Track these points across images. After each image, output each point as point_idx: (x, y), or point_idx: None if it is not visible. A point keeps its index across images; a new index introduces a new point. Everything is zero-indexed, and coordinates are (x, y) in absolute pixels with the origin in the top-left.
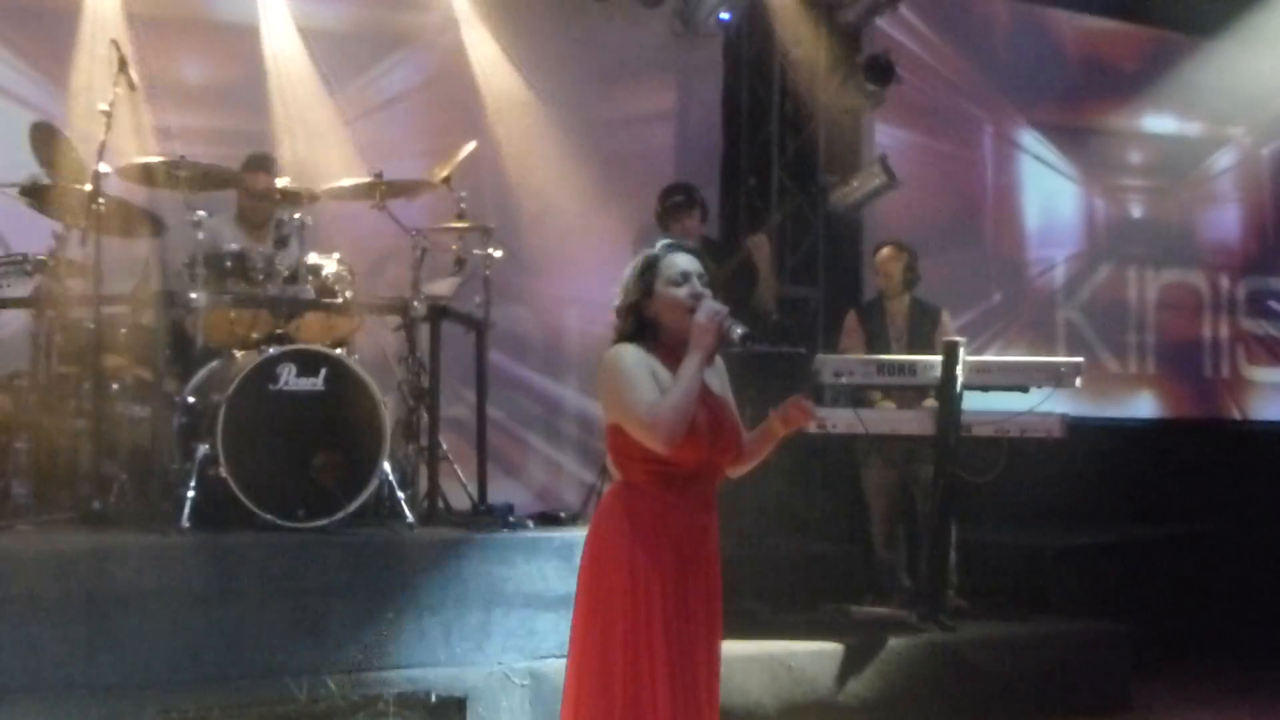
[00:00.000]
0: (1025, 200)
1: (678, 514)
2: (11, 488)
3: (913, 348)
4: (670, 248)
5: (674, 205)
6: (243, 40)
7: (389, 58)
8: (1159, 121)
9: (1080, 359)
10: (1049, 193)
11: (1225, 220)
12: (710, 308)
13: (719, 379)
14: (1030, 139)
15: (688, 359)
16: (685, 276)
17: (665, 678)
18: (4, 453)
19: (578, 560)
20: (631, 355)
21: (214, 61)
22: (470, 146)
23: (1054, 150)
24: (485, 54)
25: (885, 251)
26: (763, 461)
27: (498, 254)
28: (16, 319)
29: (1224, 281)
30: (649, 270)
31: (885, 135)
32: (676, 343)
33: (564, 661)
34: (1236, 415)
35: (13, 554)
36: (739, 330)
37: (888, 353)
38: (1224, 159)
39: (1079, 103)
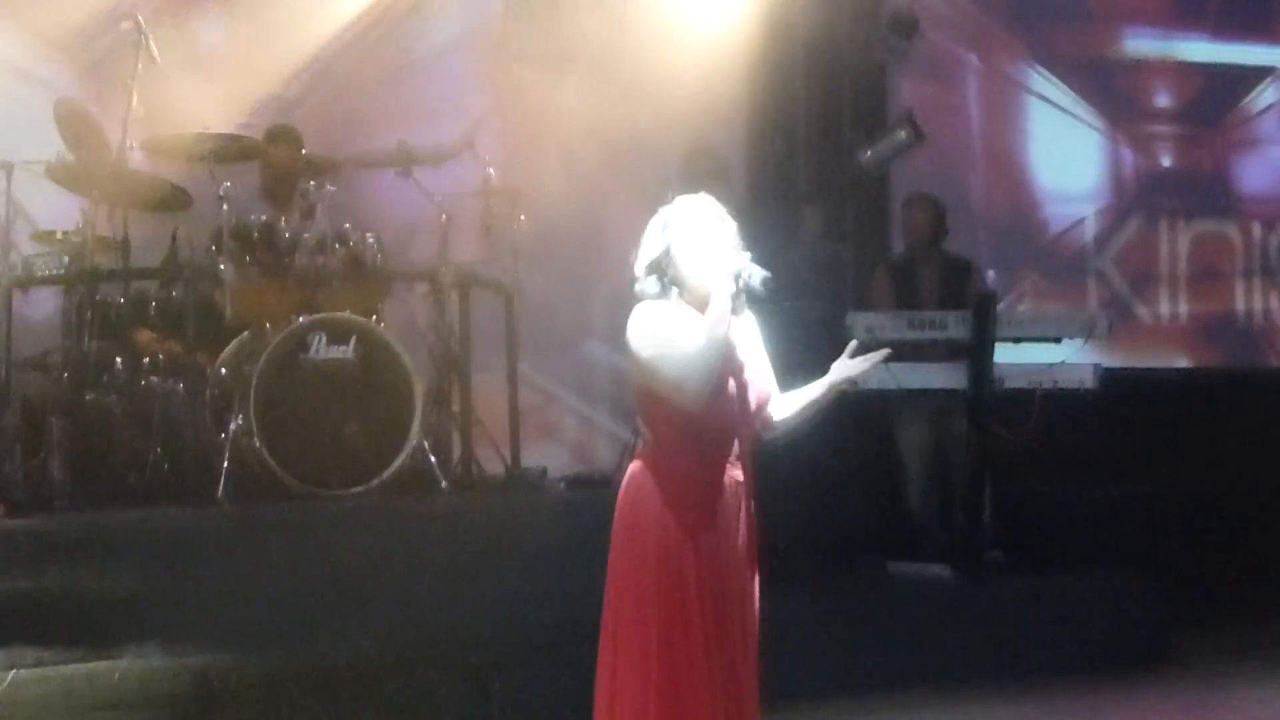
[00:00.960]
0: (1051, 151)
1: (708, 474)
2: (47, 464)
3: (944, 302)
4: (688, 203)
5: (697, 171)
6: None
7: (411, 20)
8: (1193, 50)
9: (1111, 310)
10: (1075, 143)
11: (1262, 166)
12: (730, 257)
13: (749, 336)
14: (1055, 90)
15: (710, 312)
16: (705, 230)
17: (700, 641)
18: (39, 430)
19: (611, 522)
20: (657, 314)
21: (236, 26)
22: (488, 113)
23: (1081, 101)
24: (509, 16)
25: (913, 205)
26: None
27: (524, 218)
28: (47, 297)
29: (1258, 230)
30: (668, 227)
31: (910, 92)
32: (700, 298)
33: (599, 623)
34: (1271, 364)
35: (51, 530)
36: (760, 276)
37: (917, 307)
38: (1266, 94)
39: (1100, 38)
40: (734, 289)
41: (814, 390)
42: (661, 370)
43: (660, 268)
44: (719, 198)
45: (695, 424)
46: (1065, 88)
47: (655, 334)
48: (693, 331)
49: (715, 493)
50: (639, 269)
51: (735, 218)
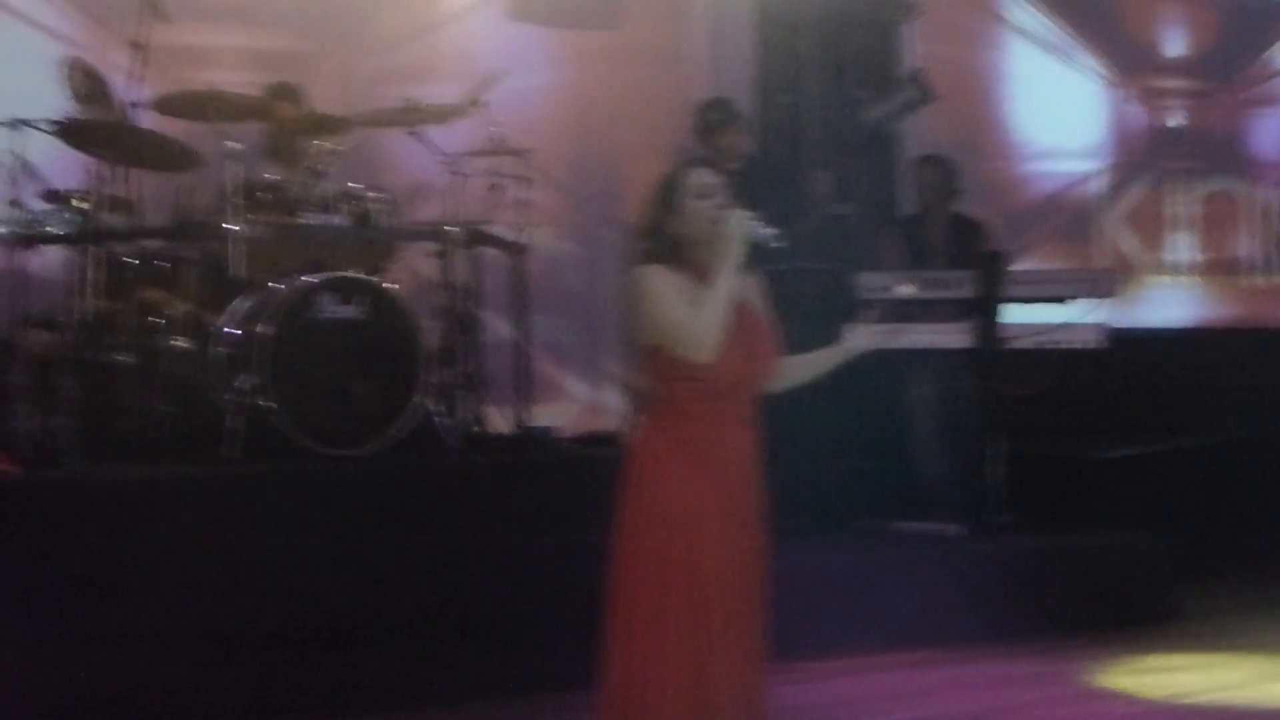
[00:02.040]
0: (1055, 104)
1: (719, 430)
2: (57, 424)
3: (953, 262)
4: (691, 164)
5: (711, 122)
6: None
7: None
8: None
9: (1118, 269)
10: (1081, 96)
11: (1272, 126)
12: (738, 216)
13: (756, 294)
14: (1052, 35)
15: (721, 268)
16: (708, 190)
17: (717, 599)
18: (49, 389)
19: (619, 481)
20: (660, 273)
21: None
22: (504, 73)
23: (1098, 61)
24: None
25: (924, 165)
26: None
27: (532, 176)
28: (57, 255)
29: (1266, 189)
30: (672, 188)
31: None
32: (702, 259)
33: (604, 583)
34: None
35: (60, 489)
36: (768, 233)
37: (926, 267)
38: None
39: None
40: (739, 248)
41: (825, 355)
42: (670, 326)
43: (662, 229)
44: (732, 148)
45: (704, 380)
46: (1085, 49)
47: (663, 292)
48: (695, 289)
49: (726, 449)
50: (640, 229)
51: (747, 168)
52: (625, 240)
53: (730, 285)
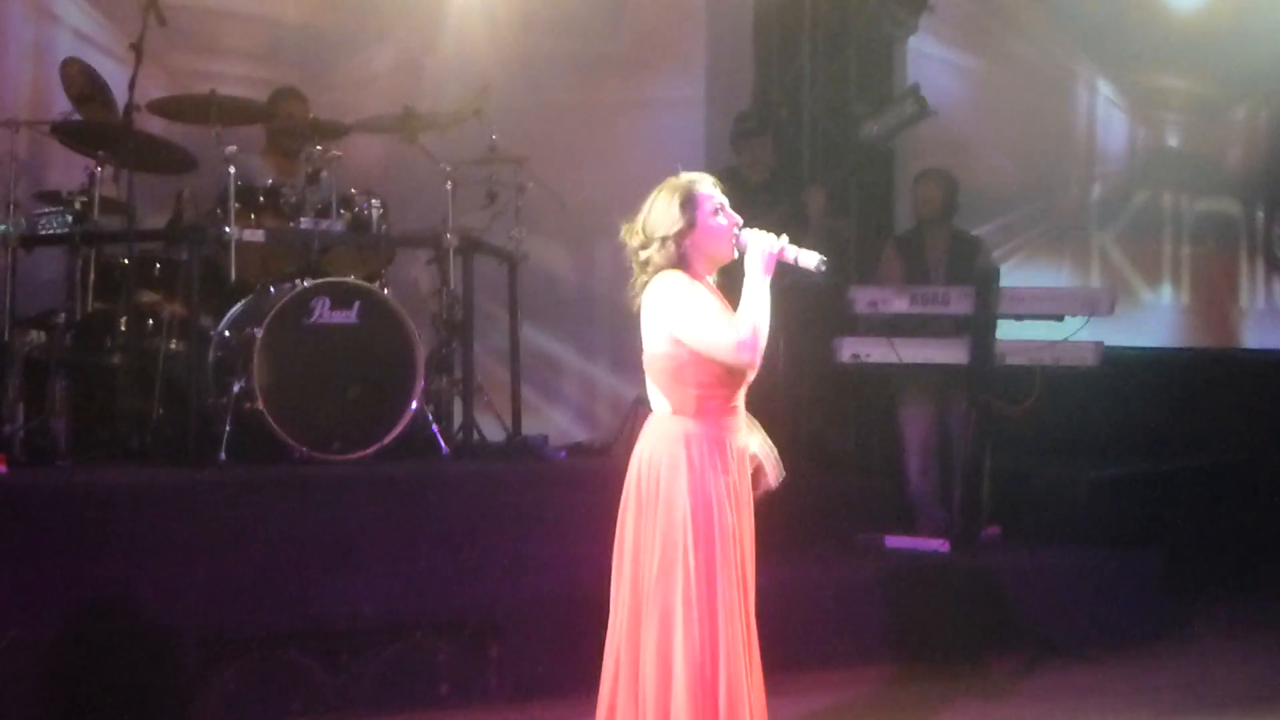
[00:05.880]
0: (1067, 123)
1: (732, 436)
2: (49, 424)
3: (951, 277)
4: (699, 180)
5: (744, 131)
6: None
7: None
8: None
9: (1114, 286)
10: (1089, 116)
11: (1265, 150)
12: (764, 235)
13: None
14: (1090, 73)
15: (759, 283)
16: (722, 206)
17: (738, 602)
18: (41, 390)
19: (611, 490)
20: (690, 283)
21: None
22: (488, 84)
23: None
24: None
25: (925, 180)
26: (796, 394)
27: (529, 186)
28: (52, 256)
29: (1261, 210)
30: (689, 202)
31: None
32: (707, 270)
33: (596, 588)
34: (1272, 344)
35: (52, 490)
36: (816, 260)
37: (925, 282)
38: None
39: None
40: (774, 266)
41: None
42: (718, 338)
43: (680, 239)
44: (761, 160)
45: (724, 389)
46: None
47: (703, 304)
48: (714, 303)
49: (736, 453)
50: (654, 236)
51: (774, 177)
52: (620, 249)
53: (765, 295)
